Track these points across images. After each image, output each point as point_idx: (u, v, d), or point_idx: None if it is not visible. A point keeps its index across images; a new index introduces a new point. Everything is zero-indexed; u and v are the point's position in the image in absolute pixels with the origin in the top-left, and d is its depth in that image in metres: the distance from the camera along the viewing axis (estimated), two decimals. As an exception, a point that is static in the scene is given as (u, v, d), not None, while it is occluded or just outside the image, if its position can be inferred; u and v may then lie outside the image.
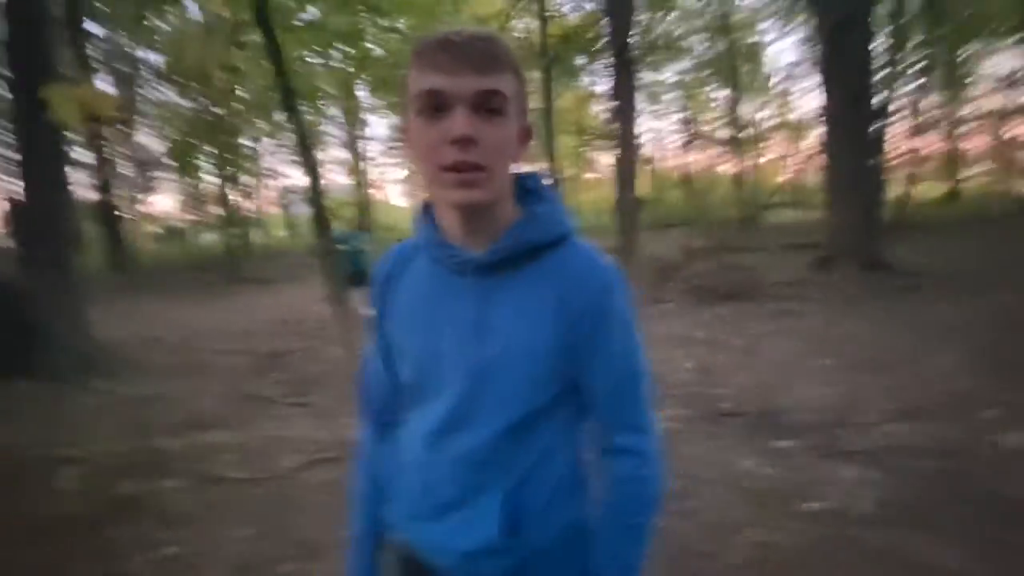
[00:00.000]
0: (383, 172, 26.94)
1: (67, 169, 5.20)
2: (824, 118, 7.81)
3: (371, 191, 22.31)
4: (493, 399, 0.71)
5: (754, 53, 16.33)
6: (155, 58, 12.67)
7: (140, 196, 14.36)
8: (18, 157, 4.78)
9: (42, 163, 4.61)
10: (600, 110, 19.87)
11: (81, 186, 11.29)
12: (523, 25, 11.92)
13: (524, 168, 0.75)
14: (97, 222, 13.15)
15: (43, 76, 4.47)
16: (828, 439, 2.70)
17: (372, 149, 26.16)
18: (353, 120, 21.62)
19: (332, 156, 21.38)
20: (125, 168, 14.15)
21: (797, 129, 21.39)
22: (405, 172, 26.84)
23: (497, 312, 0.71)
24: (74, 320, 4.67)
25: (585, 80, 16.63)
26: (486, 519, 0.71)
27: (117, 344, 5.49)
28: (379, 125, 25.06)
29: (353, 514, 0.88)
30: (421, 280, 0.77)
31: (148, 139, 15.03)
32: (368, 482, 0.87)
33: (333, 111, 19.23)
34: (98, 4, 11.78)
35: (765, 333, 4.71)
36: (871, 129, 7.00)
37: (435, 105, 0.62)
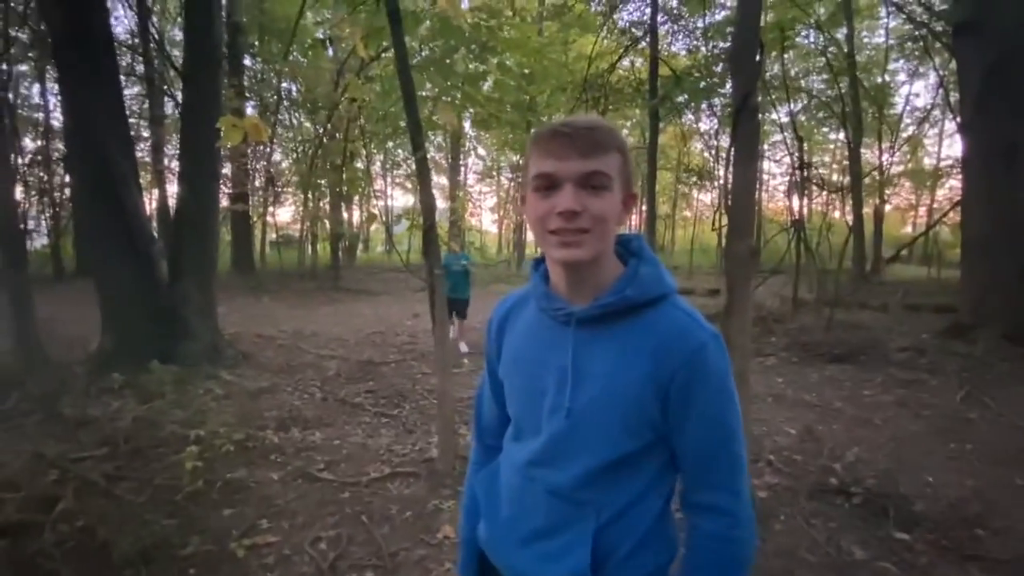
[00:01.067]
0: (478, 200, 28.11)
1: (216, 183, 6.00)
2: (964, 167, 7.00)
3: (467, 216, 23.26)
4: (585, 440, 0.77)
5: (880, 94, 15.14)
6: (294, 89, 14.37)
7: (267, 208, 16.10)
8: (177, 169, 5.60)
9: (200, 178, 5.35)
10: (702, 147, 19.39)
11: (221, 195, 12.95)
12: (628, 64, 12.05)
13: (626, 230, 0.85)
14: (230, 227, 14.94)
15: (209, 103, 5.28)
16: (963, 540, 2.33)
17: (470, 177, 27.51)
18: (456, 149, 22.89)
19: (434, 182, 22.69)
20: (257, 181, 16.03)
21: (929, 177, 19.35)
22: (496, 200, 27.80)
23: (595, 361, 0.77)
24: (207, 314, 5.30)
25: (688, 117, 16.38)
26: (576, 552, 0.77)
27: (238, 338, 6.13)
28: (481, 157, 26.19)
29: (461, 523, 1.00)
30: (530, 326, 0.86)
31: (279, 156, 16.97)
32: (471, 499, 0.99)
33: (439, 140, 20.53)
34: (253, 41, 13.65)
35: (885, 403, 4.20)
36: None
37: (548, 185, 0.75)
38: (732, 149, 2.28)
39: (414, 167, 2.86)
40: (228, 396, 4.11)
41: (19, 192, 13.12)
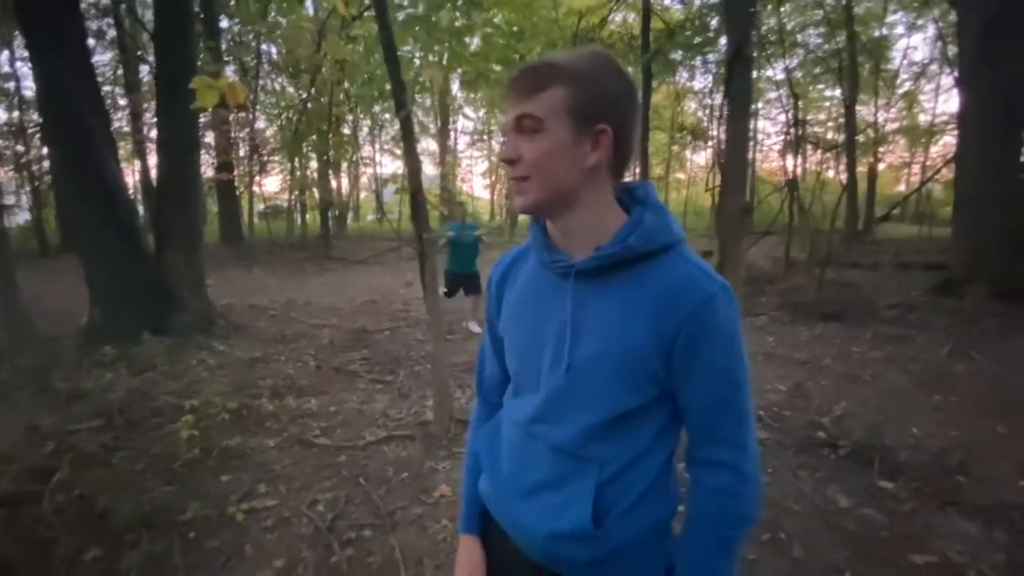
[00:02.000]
0: (469, 164, 27.65)
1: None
2: (960, 123, 6.91)
3: (458, 182, 22.92)
4: (586, 396, 0.75)
5: (878, 48, 14.79)
6: (274, 51, 13.84)
7: (253, 177, 15.76)
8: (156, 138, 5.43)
9: (180, 147, 5.19)
10: (695, 107, 19.02)
11: (205, 165, 12.63)
12: (621, 19, 11.64)
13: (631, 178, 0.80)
14: (216, 198, 14.65)
15: (185, 67, 5.06)
16: (944, 487, 2.40)
17: (460, 141, 26.97)
18: (444, 113, 22.33)
19: (422, 147, 22.25)
20: (242, 150, 15.62)
21: (924, 134, 19.17)
22: (487, 165, 27.37)
23: (596, 314, 0.74)
24: (197, 286, 5.24)
25: (682, 75, 15.99)
26: (577, 505, 0.76)
27: (229, 309, 6.10)
28: (469, 118, 25.62)
29: (463, 479, 1.00)
30: (530, 281, 0.83)
31: (263, 124, 16.49)
32: (473, 455, 0.98)
33: (427, 103, 19.99)
34: (229, 1, 13.03)
35: (874, 359, 4.27)
36: (1021, 138, 6.08)
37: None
38: (726, 103, 2.22)
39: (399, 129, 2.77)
40: (221, 366, 4.11)
41: (-5, 165, 12.75)
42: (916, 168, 22.87)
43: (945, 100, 21.40)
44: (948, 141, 17.64)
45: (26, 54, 5.90)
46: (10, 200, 15.16)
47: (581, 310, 0.75)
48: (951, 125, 16.00)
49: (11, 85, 14.35)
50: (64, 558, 1.97)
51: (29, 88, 13.18)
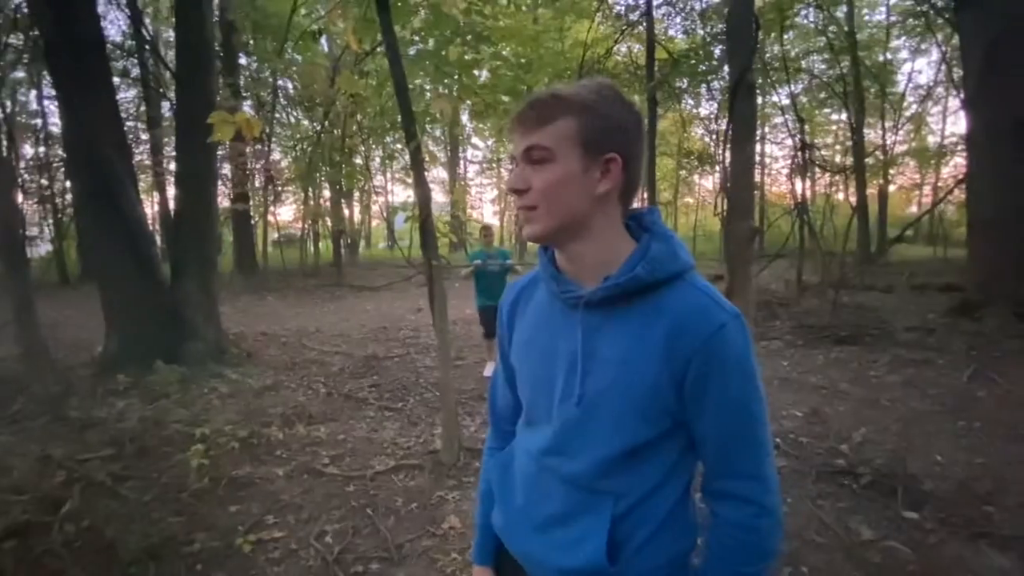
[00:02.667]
0: (479, 192, 28.03)
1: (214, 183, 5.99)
2: (969, 144, 6.90)
3: (468, 210, 23.19)
4: (599, 429, 0.74)
5: (883, 72, 14.93)
6: (290, 86, 14.32)
7: (268, 207, 16.10)
8: (175, 170, 5.59)
9: (197, 179, 5.34)
10: (702, 132, 19.22)
11: (221, 195, 12.95)
12: (626, 49, 11.90)
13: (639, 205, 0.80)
14: (231, 228, 14.95)
15: (205, 103, 5.24)
16: (973, 518, 2.31)
17: (470, 169, 27.43)
18: (454, 142, 22.80)
19: (432, 175, 22.65)
20: (258, 181, 16.01)
21: (933, 155, 19.13)
22: (497, 192, 27.73)
23: (606, 345, 0.73)
24: (210, 314, 5.31)
25: (688, 102, 16.22)
26: (591, 540, 0.74)
27: (242, 337, 6.15)
28: (477, 148, 26.11)
29: (476, 509, 0.99)
30: (541, 311, 0.83)
31: (277, 156, 16.93)
32: (486, 484, 0.97)
33: (437, 133, 20.44)
34: (247, 39, 13.57)
35: (892, 384, 4.17)
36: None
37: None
38: (730, 128, 2.25)
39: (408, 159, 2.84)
40: (232, 394, 4.12)
41: (20, 198, 13.17)
42: (927, 189, 22.75)
43: (953, 122, 21.44)
44: (958, 162, 17.59)
45: (53, 92, 6.17)
46: (33, 231, 15.61)
47: (591, 341, 0.74)
48: (960, 146, 15.98)
49: (38, 121, 14.97)
50: (71, 591, 1.95)
51: (55, 124, 13.73)
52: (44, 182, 14.66)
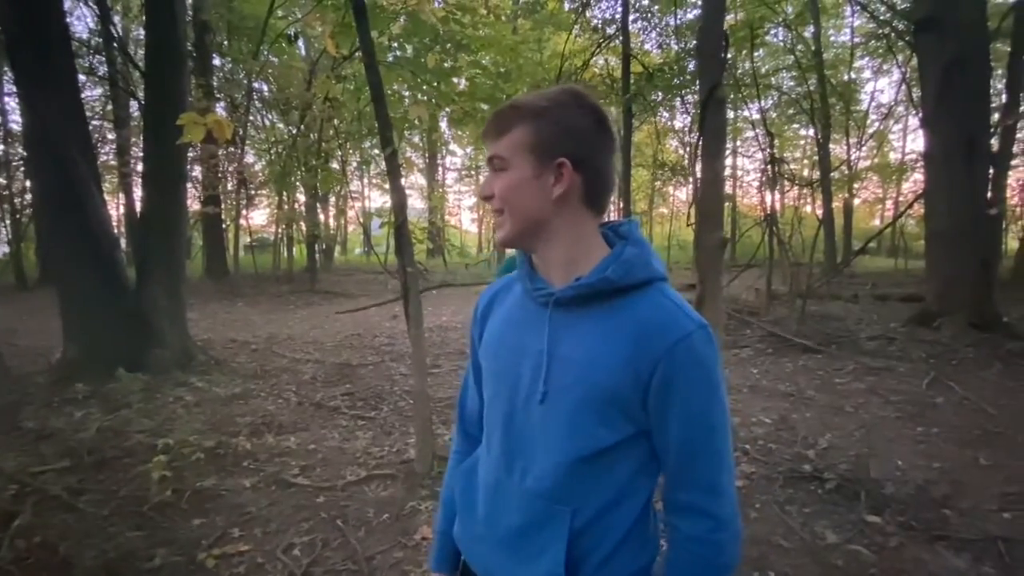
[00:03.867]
0: (457, 200, 28.00)
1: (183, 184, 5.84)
2: (927, 161, 7.22)
3: (446, 217, 23.14)
4: (559, 431, 0.73)
5: (847, 91, 15.54)
6: (265, 88, 14.09)
7: (240, 210, 15.75)
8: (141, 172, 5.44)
9: (166, 180, 5.19)
10: (676, 145, 19.65)
11: (191, 198, 12.61)
12: (603, 62, 12.12)
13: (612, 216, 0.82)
14: (201, 231, 14.56)
15: (175, 103, 5.12)
16: (932, 521, 2.39)
17: (448, 176, 27.40)
18: (432, 149, 22.75)
19: (411, 182, 22.54)
20: (229, 184, 15.65)
21: (895, 171, 19.95)
22: (474, 199, 27.75)
23: (572, 345, 0.73)
24: (177, 320, 5.15)
25: (663, 115, 16.58)
26: (550, 554, 0.73)
27: (210, 344, 5.98)
28: (455, 154, 26.12)
29: (438, 515, 0.98)
30: (513, 310, 0.83)
31: (251, 159, 16.61)
32: (449, 491, 0.96)
33: (415, 140, 20.38)
34: (221, 40, 13.34)
35: (856, 391, 4.31)
36: (987, 175, 6.36)
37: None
38: (700, 142, 2.30)
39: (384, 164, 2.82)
40: (199, 403, 4.00)
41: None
42: (890, 204, 23.70)
43: (913, 139, 22.44)
44: (918, 177, 18.38)
45: (13, 89, 5.94)
46: (-11, 233, 14.92)
47: (558, 340, 0.74)
48: (919, 163, 16.72)
49: (-3, 119, 14.35)
50: (19, 611, 1.85)
51: (16, 122, 13.19)
52: (2, 181, 14.04)
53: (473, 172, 26.23)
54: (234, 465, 3.03)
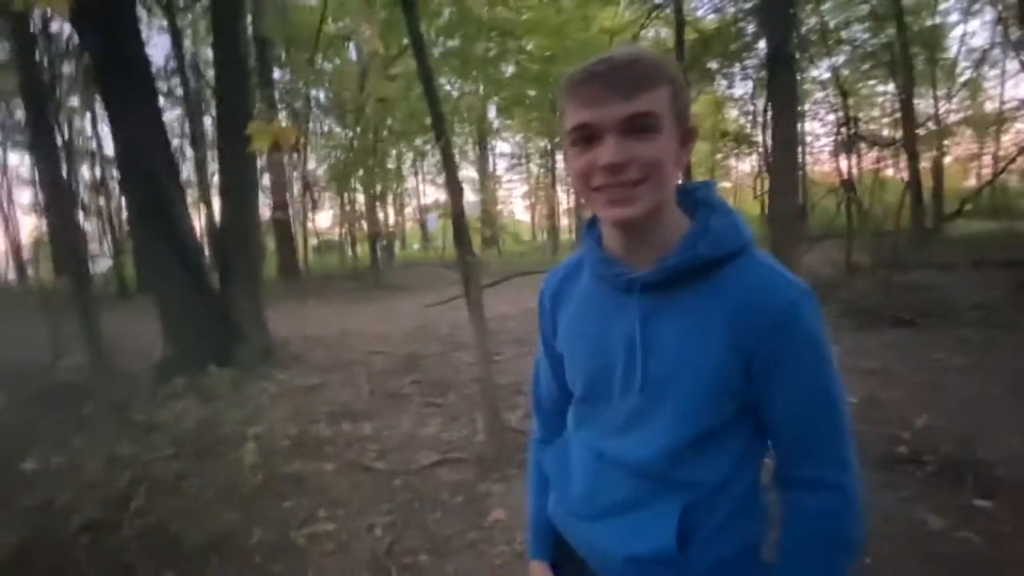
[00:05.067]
0: (509, 189, 28.06)
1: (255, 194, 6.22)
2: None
3: (499, 207, 23.27)
4: (662, 417, 0.71)
5: (932, 38, 14.01)
6: (322, 96, 14.72)
7: (307, 214, 16.63)
8: (219, 182, 5.84)
9: (239, 190, 5.56)
10: (738, 114, 18.60)
11: (262, 205, 13.46)
12: (653, 35, 11.63)
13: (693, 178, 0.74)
14: (273, 236, 15.50)
15: (243, 116, 5.44)
16: (1054, 505, 2.14)
17: (499, 167, 27.49)
18: (483, 139, 22.87)
19: (462, 175, 22.81)
20: (296, 189, 16.54)
21: (992, 123, 17.85)
22: (526, 188, 27.70)
23: (667, 330, 0.70)
24: (257, 319, 5.52)
25: (721, 84, 15.72)
26: (661, 527, 0.71)
27: (287, 340, 6.37)
28: (506, 144, 26.12)
29: (529, 501, 0.96)
30: (588, 296, 0.79)
31: (313, 164, 17.45)
32: (538, 475, 0.95)
33: (465, 131, 20.57)
34: (280, 54, 14.02)
35: (954, 367, 3.92)
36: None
37: (587, 137, 0.66)
38: (769, 105, 2.15)
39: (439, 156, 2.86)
40: (281, 395, 4.28)
41: (81, 217, 14.04)
42: (988, 160, 21.27)
43: (1013, 85, 19.99)
44: (1021, 128, 16.37)
45: (105, 115, 6.54)
46: (94, 248, 16.62)
47: (650, 326, 0.70)
48: (1022, 111, 14.86)
49: (93, 143, 15.92)
50: (142, 582, 2.07)
51: (109, 148, 14.57)
52: (102, 201, 15.60)
53: (523, 161, 26.16)
54: (316, 451, 3.21)
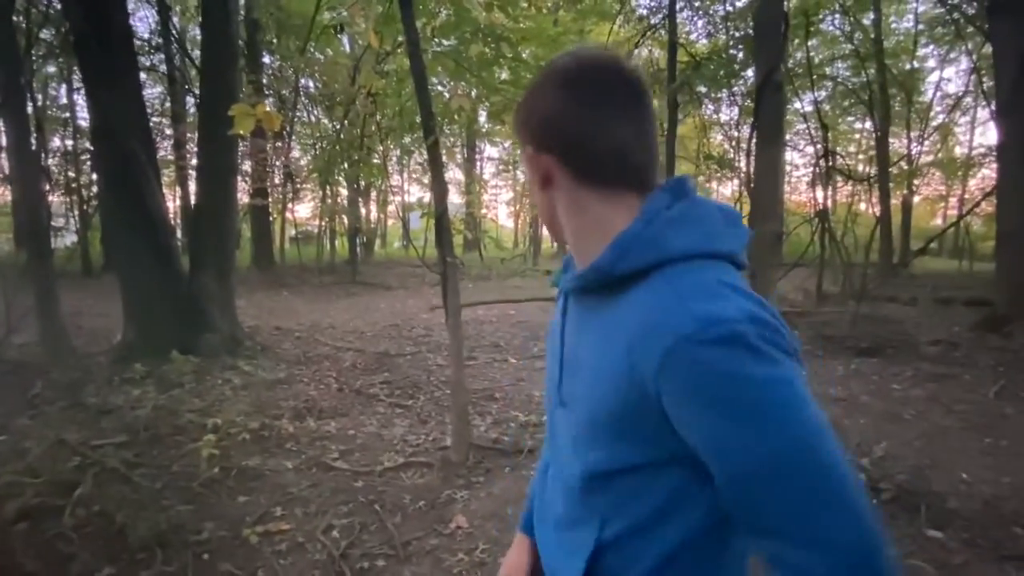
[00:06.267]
0: (495, 194, 28.09)
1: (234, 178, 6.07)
2: (999, 155, 6.70)
3: (483, 211, 23.25)
4: (580, 439, 0.65)
5: (910, 81, 14.61)
6: (311, 84, 14.49)
7: (286, 203, 16.29)
8: (196, 165, 5.68)
9: (217, 173, 5.41)
10: (722, 139, 19.03)
11: (241, 191, 13.12)
12: (647, 52, 11.83)
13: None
14: (250, 223, 15.14)
15: (228, 98, 5.31)
16: (1000, 539, 2.21)
17: (486, 171, 27.50)
18: (471, 142, 22.88)
19: (448, 176, 22.73)
20: (276, 178, 16.19)
21: (960, 167, 18.67)
22: (512, 195, 27.77)
23: (584, 349, 0.65)
24: (226, 307, 5.37)
25: (708, 108, 16.08)
26: (577, 556, 0.67)
27: (257, 331, 6.20)
28: (494, 148, 26.18)
29: (534, 478, 0.93)
30: (566, 306, 0.77)
31: (297, 153, 17.15)
32: (535, 480, 0.92)
33: (455, 132, 20.51)
34: (270, 39, 13.79)
35: (915, 398, 4.05)
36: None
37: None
38: (755, 131, 2.19)
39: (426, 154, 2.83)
40: (246, 386, 4.15)
41: (47, 188, 13.49)
42: (954, 202, 22.22)
43: (981, 133, 20.96)
44: (986, 174, 17.15)
45: (81, 86, 6.30)
46: (59, 222, 15.98)
47: (574, 340, 0.69)
48: (988, 158, 15.57)
49: (67, 115, 15.34)
50: (79, 574, 1.96)
51: (84, 119, 14.06)
52: (71, 173, 15.01)
53: (510, 167, 26.22)
54: (277, 446, 3.12)
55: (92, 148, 8.41)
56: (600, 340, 0.61)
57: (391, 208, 22.99)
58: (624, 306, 0.58)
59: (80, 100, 14.50)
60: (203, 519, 2.31)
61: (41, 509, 2.25)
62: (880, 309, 6.96)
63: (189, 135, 14.00)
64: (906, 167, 14.87)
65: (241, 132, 2.74)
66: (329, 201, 14.50)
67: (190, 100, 14.61)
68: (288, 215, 16.73)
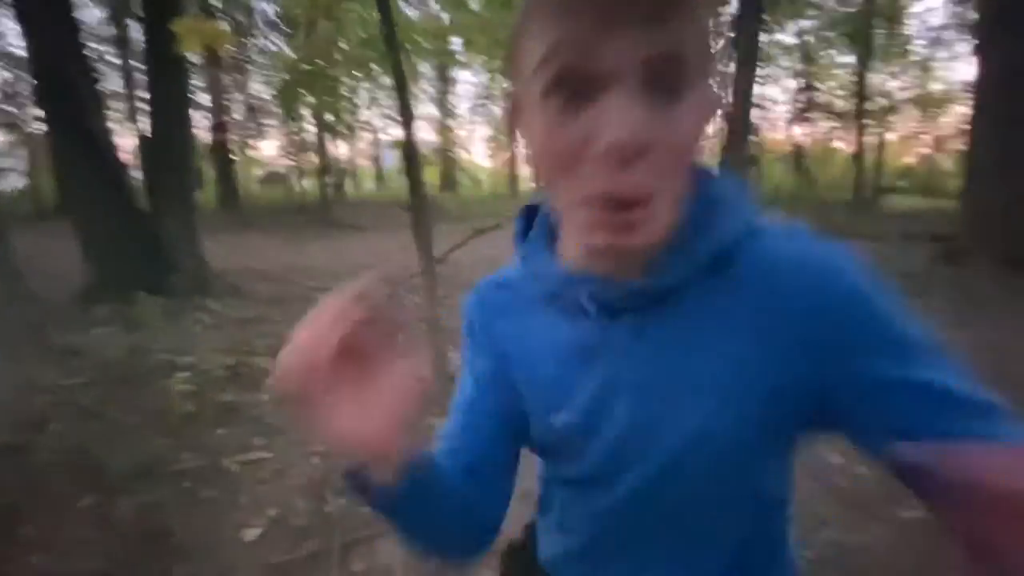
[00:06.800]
0: (470, 130, 27.15)
1: (189, 110, 5.69)
2: (976, 89, 6.71)
3: (458, 149, 22.57)
4: (703, 488, 0.48)
5: (894, 13, 14.26)
6: (269, 8, 13.41)
7: (250, 140, 15.51)
8: (147, 96, 5.29)
9: (168, 102, 5.06)
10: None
11: (199, 128, 12.37)
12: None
13: None
14: (211, 162, 14.43)
15: (174, 18, 4.87)
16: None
17: (460, 107, 26.41)
18: (444, 76, 21.79)
19: (421, 112, 21.78)
20: (238, 113, 15.31)
21: (937, 103, 18.68)
22: (490, 132, 26.90)
23: (694, 360, 0.45)
24: (192, 247, 5.19)
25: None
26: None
27: (225, 272, 6.06)
28: (468, 82, 25.00)
29: None
30: (546, 328, 0.52)
31: (259, 87, 16.13)
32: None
33: (425, 67, 19.47)
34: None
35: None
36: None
37: (574, 89, 0.36)
38: (735, 48, 2.11)
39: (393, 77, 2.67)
40: (217, 326, 4.10)
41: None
42: (927, 139, 22.39)
43: (959, 68, 20.84)
44: (959, 111, 17.22)
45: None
46: (5, 163, 14.98)
47: (669, 358, 0.47)
48: (967, 94, 15.57)
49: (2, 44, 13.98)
50: (59, 504, 1.99)
51: (12, 45, 12.82)
52: (13, 109, 13.90)
53: (486, 102, 25.20)
54: (253, 382, 3.13)
55: (33, 79, 7.75)
56: (715, 334, 0.44)
57: (362, 146, 22.13)
58: (729, 282, 0.44)
59: (9, 24, 13.15)
60: (181, 450, 2.34)
61: (13, 446, 2.24)
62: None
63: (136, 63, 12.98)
64: (884, 103, 14.82)
65: (188, 51, 2.54)
66: (295, 138, 13.85)
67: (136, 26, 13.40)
68: (252, 154, 15.98)
